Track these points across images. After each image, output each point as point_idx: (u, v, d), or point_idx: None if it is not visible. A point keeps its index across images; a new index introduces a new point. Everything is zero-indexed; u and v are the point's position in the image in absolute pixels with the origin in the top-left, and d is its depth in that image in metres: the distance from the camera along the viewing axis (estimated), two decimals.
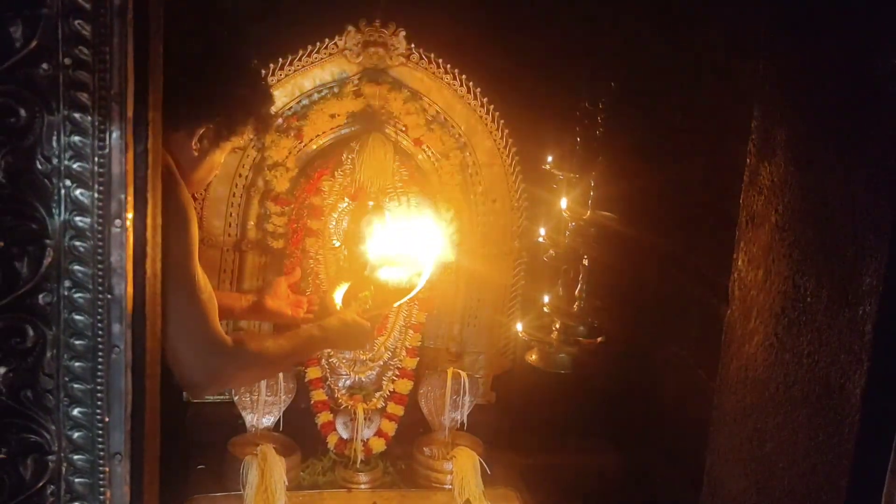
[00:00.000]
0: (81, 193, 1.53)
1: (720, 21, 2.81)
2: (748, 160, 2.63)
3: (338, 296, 2.65)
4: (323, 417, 3.00)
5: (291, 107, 2.88)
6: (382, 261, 2.72)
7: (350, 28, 2.83)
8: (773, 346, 2.48)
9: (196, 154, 2.17)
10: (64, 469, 1.61)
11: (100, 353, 1.58)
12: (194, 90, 2.07)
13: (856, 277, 2.16)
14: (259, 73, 2.42)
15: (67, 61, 1.48)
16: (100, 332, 1.57)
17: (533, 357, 2.95)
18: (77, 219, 1.53)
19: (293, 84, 2.85)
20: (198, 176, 2.23)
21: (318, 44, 2.84)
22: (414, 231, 2.79)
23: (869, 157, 2.13)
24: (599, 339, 2.81)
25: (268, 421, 2.90)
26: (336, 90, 2.88)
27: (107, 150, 1.52)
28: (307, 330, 2.47)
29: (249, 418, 2.88)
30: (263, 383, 2.83)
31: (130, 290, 1.58)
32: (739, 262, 2.67)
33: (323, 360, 3.02)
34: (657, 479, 3.12)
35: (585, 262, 2.84)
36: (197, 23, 2.32)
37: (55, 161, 1.51)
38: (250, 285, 2.98)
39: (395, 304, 2.73)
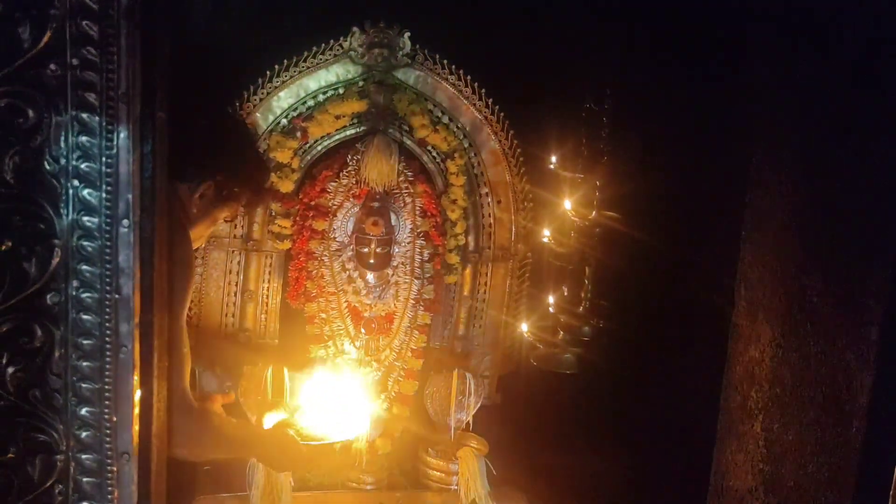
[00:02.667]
0: (89, 193, 1.53)
1: (726, 22, 2.81)
2: (754, 160, 2.63)
3: (267, 423, 2.70)
4: None
5: (296, 108, 2.88)
6: (310, 412, 2.74)
7: (355, 29, 2.83)
8: (779, 346, 2.49)
9: (195, 211, 2.34)
10: (72, 468, 1.61)
11: (107, 353, 1.58)
12: (205, 145, 2.26)
13: (862, 278, 2.16)
14: (259, 148, 2.77)
15: (75, 62, 1.48)
16: (107, 332, 1.57)
17: (538, 358, 2.95)
18: (85, 219, 1.54)
19: (298, 85, 2.85)
20: (192, 235, 2.37)
21: (322, 45, 2.84)
22: (348, 400, 2.80)
23: (876, 157, 2.13)
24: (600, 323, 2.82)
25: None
26: (341, 91, 2.88)
27: (114, 151, 1.53)
28: (256, 429, 2.57)
29: (255, 419, 2.87)
30: (269, 383, 2.83)
31: (138, 289, 1.58)
32: (745, 262, 2.67)
33: (328, 362, 3.02)
34: (664, 480, 3.12)
35: (590, 262, 2.84)
36: (214, 91, 2.67)
37: (63, 161, 1.52)
38: (255, 287, 2.99)
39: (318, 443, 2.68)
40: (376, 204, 2.94)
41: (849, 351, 2.19)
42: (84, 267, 1.55)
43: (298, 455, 2.52)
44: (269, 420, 2.70)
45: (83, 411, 1.59)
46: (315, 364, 2.98)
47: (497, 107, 2.97)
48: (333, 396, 2.79)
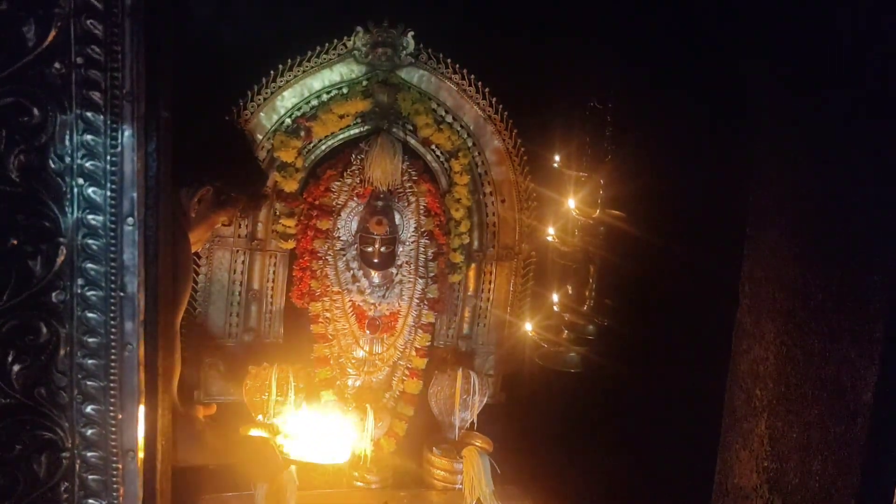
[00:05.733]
0: (94, 192, 1.54)
1: (730, 21, 2.81)
2: (757, 158, 2.63)
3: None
4: None
5: (300, 107, 2.88)
6: (294, 434, 2.80)
7: (359, 29, 2.84)
8: (783, 345, 2.48)
9: (193, 216, 2.40)
10: (77, 466, 1.62)
11: (113, 351, 1.58)
12: (204, 151, 2.34)
13: (866, 275, 2.16)
14: (256, 155, 2.81)
15: (80, 60, 1.49)
16: (112, 330, 1.58)
17: (543, 356, 2.95)
18: (90, 217, 1.54)
19: (302, 85, 2.86)
20: (192, 237, 2.43)
21: (326, 44, 2.84)
22: (334, 428, 2.87)
23: (878, 155, 2.13)
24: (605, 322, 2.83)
25: (279, 421, 2.90)
26: (345, 91, 2.89)
27: (119, 149, 1.53)
28: (236, 436, 2.63)
29: (260, 418, 2.88)
30: (274, 382, 2.83)
31: (143, 287, 1.58)
32: (749, 261, 2.67)
33: (332, 361, 3.02)
34: (669, 478, 3.11)
35: (595, 261, 2.84)
36: (214, 96, 2.75)
37: (68, 160, 1.52)
38: (260, 286, 2.99)
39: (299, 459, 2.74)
40: (380, 203, 2.94)
41: (853, 348, 2.19)
42: (89, 265, 1.56)
43: (276, 466, 2.57)
44: (253, 434, 2.73)
45: (88, 409, 1.60)
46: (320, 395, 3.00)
47: (501, 106, 2.97)
48: (318, 427, 2.82)
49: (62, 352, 1.57)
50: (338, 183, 2.93)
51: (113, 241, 1.56)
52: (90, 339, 1.58)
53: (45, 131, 1.50)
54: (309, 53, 2.84)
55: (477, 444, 3.02)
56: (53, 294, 1.55)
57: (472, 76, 2.93)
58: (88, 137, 1.52)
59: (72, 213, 1.54)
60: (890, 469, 2.12)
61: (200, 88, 2.40)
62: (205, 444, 2.40)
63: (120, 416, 1.61)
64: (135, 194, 1.55)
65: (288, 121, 2.88)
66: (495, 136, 3.00)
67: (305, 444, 2.77)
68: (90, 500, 1.63)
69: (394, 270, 3.00)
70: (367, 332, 3.03)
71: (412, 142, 2.96)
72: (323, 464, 2.73)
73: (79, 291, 1.56)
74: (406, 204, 2.98)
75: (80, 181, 1.53)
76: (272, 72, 2.82)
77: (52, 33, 1.47)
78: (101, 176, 1.53)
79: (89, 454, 1.61)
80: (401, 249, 2.99)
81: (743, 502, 2.67)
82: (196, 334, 2.95)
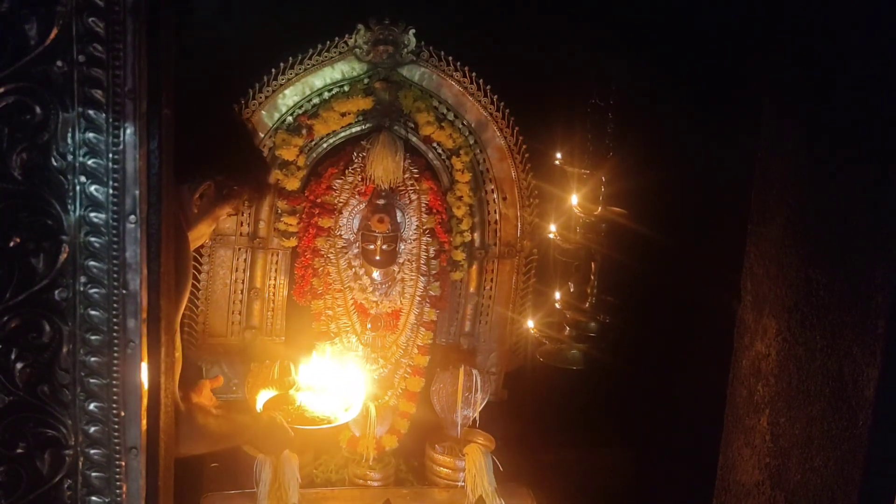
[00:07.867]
0: (96, 189, 1.54)
1: (730, 14, 2.81)
2: (759, 154, 2.63)
3: (260, 400, 2.74)
4: None
5: (302, 105, 2.88)
6: (308, 388, 2.81)
7: (360, 26, 2.83)
8: (785, 341, 2.49)
9: (196, 211, 2.36)
10: (81, 463, 1.62)
11: (115, 348, 1.59)
12: (205, 146, 2.28)
13: (868, 270, 2.16)
14: (258, 146, 2.78)
15: (82, 58, 1.49)
16: (115, 328, 1.58)
17: (544, 354, 2.95)
18: (92, 215, 1.54)
19: (304, 83, 2.86)
20: (194, 234, 2.40)
21: (328, 42, 2.84)
22: (344, 376, 2.87)
23: (880, 149, 2.13)
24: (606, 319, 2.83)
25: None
26: (346, 88, 2.89)
27: (121, 147, 1.53)
28: (242, 418, 2.62)
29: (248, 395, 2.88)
30: (276, 379, 2.84)
31: (145, 285, 1.59)
32: (751, 257, 2.67)
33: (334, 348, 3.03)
34: (670, 475, 3.12)
35: (596, 258, 2.84)
36: (214, 90, 2.73)
37: (70, 157, 1.52)
38: (262, 284, 3.00)
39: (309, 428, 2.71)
40: (382, 201, 2.94)
41: (855, 344, 2.19)
42: (91, 263, 1.56)
43: (286, 438, 2.59)
44: (262, 397, 2.72)
45: (91, 406, 1.60)
46: (319, 348, 2.99)
47: (502, 103, 2.97)
48: (331, 379, 2.81)
49: (65, 349, 1.58)
50: (339, 181, 2.93)
51: (115, 239, 1.56)
52: (93, 337, 1.58)
53: (47, 129, 1.50)
54: (310, 51, 2.84)
55: (479, 441, 3.02)
56: (56, 292, 1.56)
57: (474, 74, 2.92)
58: (90, 135, 1.52)
59: (74, 210, 1.54)
60: (892, 465, 2.12)
61: (202, 86, 2.40)
62: (210, 434, 2.39)
63: (122, 414, 1.61)
64: (137, 192, 1.55)
65: (289, 119, 2.88)
66: (497, 133, 3.00)
67: (318, 396, 2.78)
68: (93, 498, 1.63)
69: (395, 268, 3.00)
70: (369, 329, 3.03)
71: (413, 139, 2.96)
72: (336, 424, 2.72)
73: (81, 289, 1.56)
74: (408, 202, 2.98)
75: (83, 179, 1.53)
76: (273, 69, 2.82)
77: (54, 31, 1.47)
78: (104, 174, 1.53)
79: (92, 451, 1.62)
80: (402, 247, 2.99)
81: (745, 499, 2.68)
82: (198, 332, 2.95)
